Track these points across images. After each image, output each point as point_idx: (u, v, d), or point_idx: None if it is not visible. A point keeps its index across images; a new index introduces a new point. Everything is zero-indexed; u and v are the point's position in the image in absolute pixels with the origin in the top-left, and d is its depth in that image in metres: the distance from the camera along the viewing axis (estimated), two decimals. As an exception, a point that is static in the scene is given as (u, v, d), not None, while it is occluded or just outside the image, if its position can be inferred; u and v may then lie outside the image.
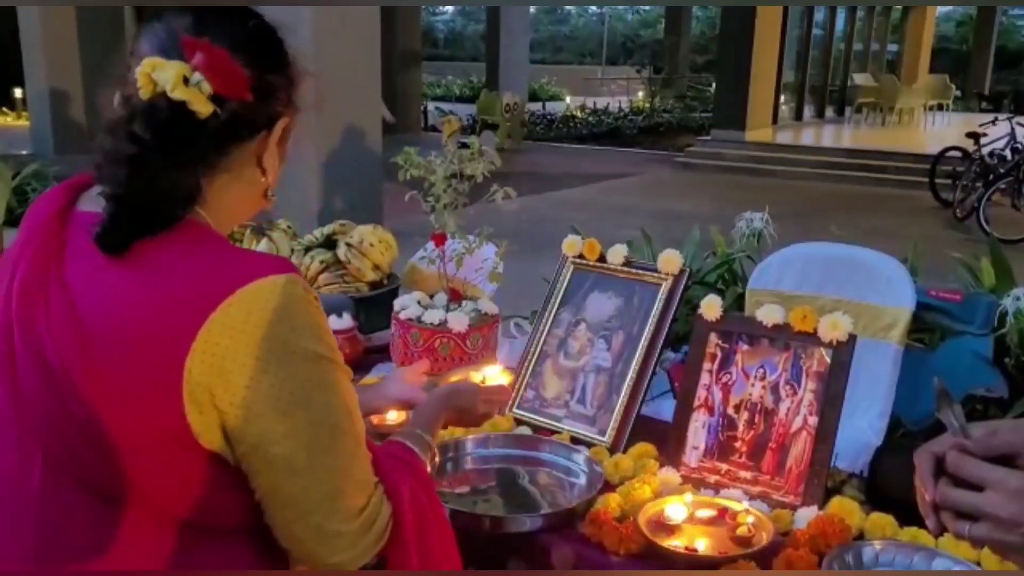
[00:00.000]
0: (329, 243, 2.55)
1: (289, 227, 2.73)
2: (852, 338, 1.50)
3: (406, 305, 1.91)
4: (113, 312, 0.87)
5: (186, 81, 0.90)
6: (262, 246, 2.61)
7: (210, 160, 0.95)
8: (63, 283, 0.89)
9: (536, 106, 19.53)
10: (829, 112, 17.38)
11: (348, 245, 2.47)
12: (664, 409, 1.82)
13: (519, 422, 1.75)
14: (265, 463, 0.91)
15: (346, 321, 2.06)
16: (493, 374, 1.59)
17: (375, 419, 1.72)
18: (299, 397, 0.91)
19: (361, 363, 2.07)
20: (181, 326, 0.86)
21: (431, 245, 1.94)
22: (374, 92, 6.35)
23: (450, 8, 35.57)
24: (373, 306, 2.37)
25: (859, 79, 17.24)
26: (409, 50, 16.53)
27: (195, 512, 0.92)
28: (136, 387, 0.86)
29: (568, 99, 22.73)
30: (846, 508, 1.38)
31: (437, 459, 1.25)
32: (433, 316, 1.85)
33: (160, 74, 0.90)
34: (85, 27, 8.67)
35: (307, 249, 2.55)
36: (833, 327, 1.50)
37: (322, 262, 2.47)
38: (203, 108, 0.91)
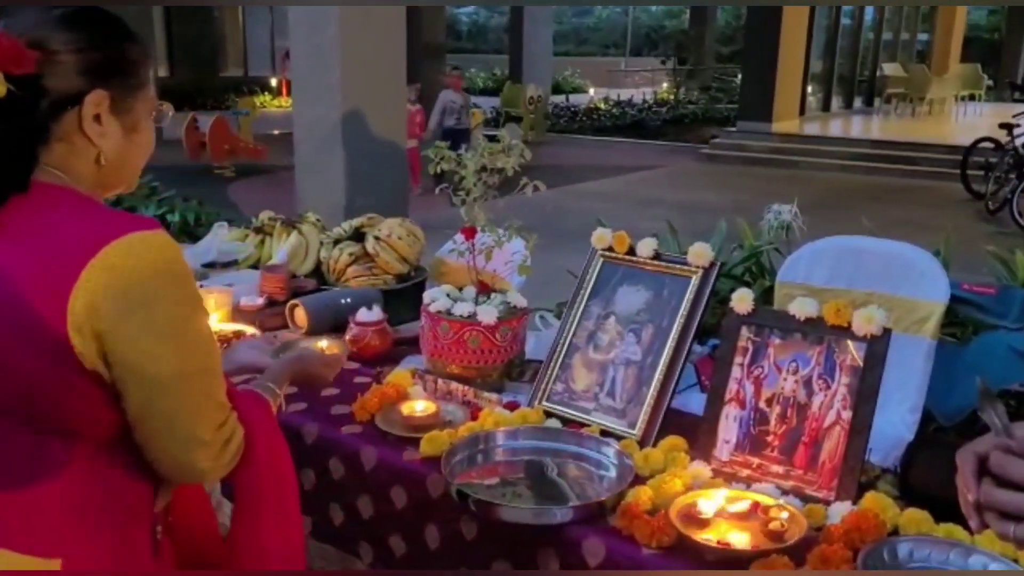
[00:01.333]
0: (357, 236, 2.56)
1: (318, 220, 2.75)
2: (887, 332, 1.48)
3: (436, 298, 1.92)
4: (7, 260, 1.04)
5: None
6: (291, 239, 2.63)
7: (36, 131, 1.09)
8: None
9: (560, 98, 19.47)
10: (857, 103, 17.17)
11: (376, 238, 2.48)
12: (691, 402, 1.82)
13: (549, 415, 1.75)
14: (140, 382, 1.08)
15: (376, 313, 2.07)
16: (329, 343, 1.75)
17: (406, 412, 1.73)
18: (169, 328, 1.08)
19: (391, 355, 2.08)
20: (65, 270, 1.03)
21: (460, 238, 1.94)
22: (400, 86, 6.36)
23: (473, 0, 35.44)
24: (400, 298, 2.38)
25: (888, 69, 17.00)
26: (433, 43, 16.52)
27: (85, 424, 1.10)
28: (30, 316, 1.03)
29: (592, 91, 22.64)
30: (880, 503, 1.36)
31: (283, 407, 1.43)
32: (463, 309, 1.86)
33: None
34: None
35: (336, 242, 2.57)
36: (867, 321, 1.48)
37: (351, 255, 2.49)
38: None
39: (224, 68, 19.31)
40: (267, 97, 18.52)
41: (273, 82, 19.32)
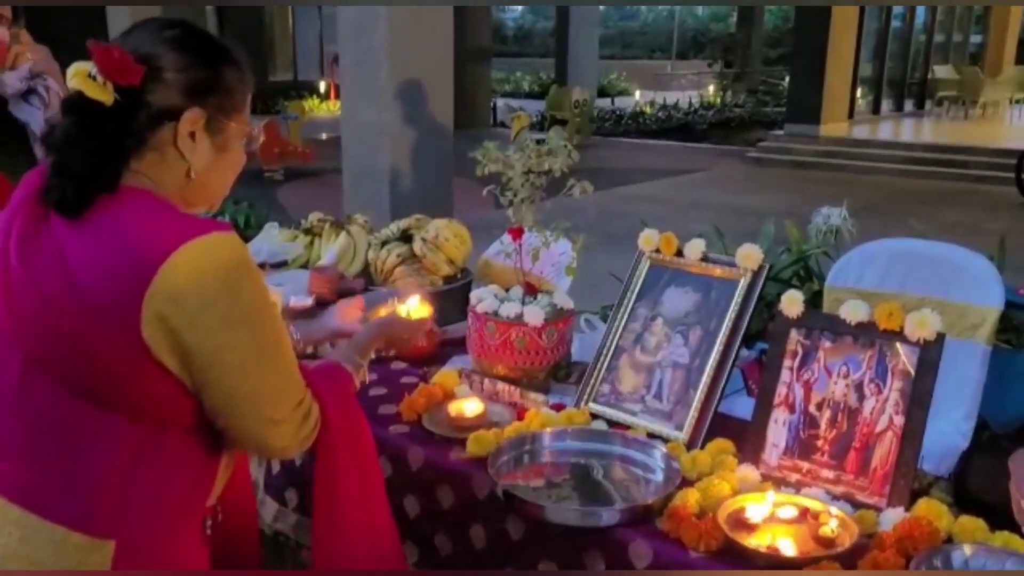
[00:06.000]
0: (405, 237, 2.58)
1: (366, 222, 2.78)
2: (940, 337, 1.45)
3: (482, 298, 1.93)
4: (91, 254, 1.11)
5: (91, 77, 1.13)
6: (340, 240, 2.66)
7: (131, 140, 1.16)
8: (52, 235, 1.13)
9: (605, 101, 19.40)
10: (908, 106, 16.84)
11: (423, 239, 2.49)
12: (738, 407, 1.80)
13: (595, 416, 1.75)
14: (222, 370, 1.15)
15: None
16: (415, 305, 1.75)
17: (453, 412, 1.75)
18: (244, 316, 1.15)
19: (437, 355, 2.09)
20: (144, 266, 1.09)
21: (507, 239, 1.95)
22: (447, 89, 6.40)
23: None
24: (447, 299, 2.39)
25: (940, 71, 16.65)
26: (479, 47, 16.60)
27: (151, 407, 1.16)
28: (108, 308, 1.10)
29: (637, 94, 22.49)
30: (934, 510, 1.34)
31: (366, 378, 1.49)
32: (509, 309, 1.87)
33: (70, 72, 1.15)
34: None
35: (383, 243, 2.59)
36: (921, 325, 1.46)
37: (398, 256, 2.51)
38: (101, 95, 1.13)
39: (274, 72, 19.61)
40: (316, 101, 18.75)
41: (322, 86, 19.55)
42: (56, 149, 1.16)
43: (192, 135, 1.19)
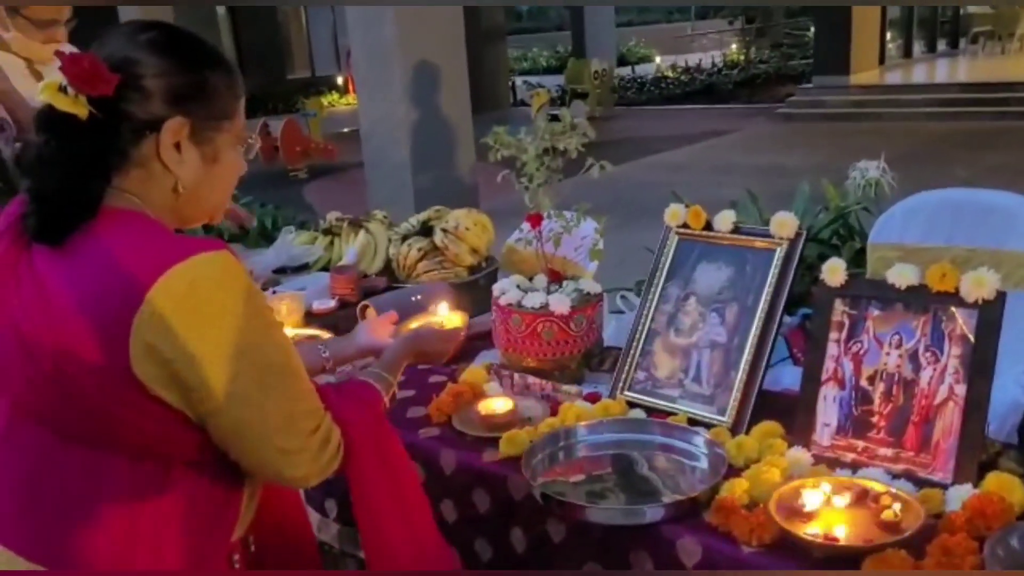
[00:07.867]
0: (425, 230, 2.52)
1: (385, 217, 2.71)
2: (1001, 296, 1.34)
3: (505, 289, 1.84)
4: (73, 286, 1.02)
5: (63, 89, 1.04)
6: (360, 239, 2.60)
7: (112, 157, 1.07)
8: (32, 268, 1.05)
9: (625, 70, 19.12)
10: (941, 46, 16.36)
11: (444, 231, 2.42)
12: (783, 377, 1.71)
13: (632, 405, 1.67)
14: (224, 402, 1.05)
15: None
16: (448, 316, 1.69)
17: (483, 411, 1.67)
18: (243, 344, 1.05)
19: (464, 352, 2.02)
20: (129, 296, 1.00)
21: (527, 226, 1.86)
22: (461, 74, 6.31)
23: (532, -21, 35.15)
24: (473, 290, 2.32)
25: (973, 7, 16.13)
26: (493, 26, 16.43)
27: (152, 444, 1.08)
28: (92, 344, 1.01)
29: (658, 59, 22.12)
30: (1005, 484, 1.24)
31: (396, 394, 1.42)
32: (534, 300, 1.78)
33: (40, 86, 1.06)
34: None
35: (404, 238, 2.52)
36: (978, 284, 1.34)
37: (420, 250, 2.44)
38: (73, 108, 1.04)
39: (291, 70, 19.63)
40: (335, 96, 18.73)
41: (340, 80, 19.53)
42: (30, 171, 1.06)
43: (177, 146, 1.10)
